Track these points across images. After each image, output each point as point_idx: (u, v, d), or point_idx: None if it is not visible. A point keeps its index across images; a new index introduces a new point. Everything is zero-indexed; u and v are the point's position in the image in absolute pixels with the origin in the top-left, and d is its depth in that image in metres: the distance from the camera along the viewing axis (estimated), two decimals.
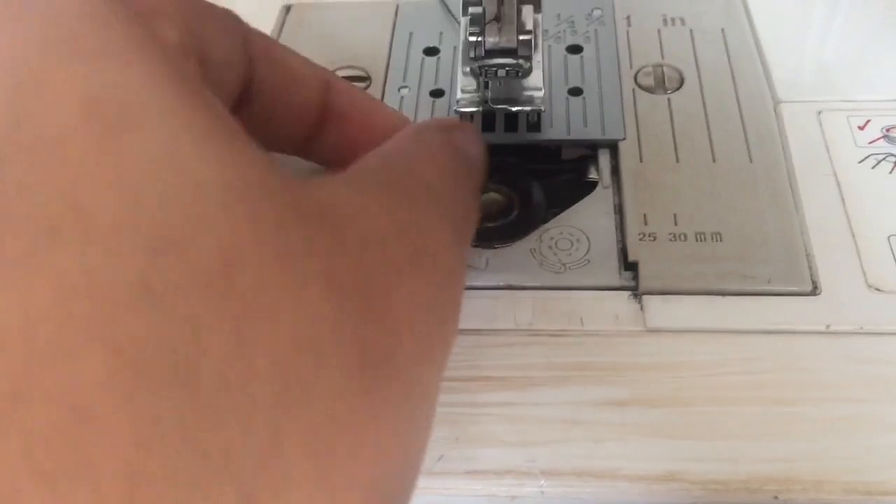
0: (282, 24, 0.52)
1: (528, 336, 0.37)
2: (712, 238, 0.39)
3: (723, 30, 0.48)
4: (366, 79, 0.48)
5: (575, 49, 0.48)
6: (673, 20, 0.49)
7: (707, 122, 0.44)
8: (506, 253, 0.40)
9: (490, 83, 0.44)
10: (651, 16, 0.49)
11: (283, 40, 0.51)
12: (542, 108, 0.42)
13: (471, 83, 0.44)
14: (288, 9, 0.53)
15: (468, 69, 0.44)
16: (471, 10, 0.45)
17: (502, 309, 0.38)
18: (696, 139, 0.43)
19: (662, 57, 0.47)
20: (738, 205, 0.40)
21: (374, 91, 0.47)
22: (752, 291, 0.37)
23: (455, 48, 0.49)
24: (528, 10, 0.44)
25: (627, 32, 0.49)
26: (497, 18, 0.43)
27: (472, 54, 0.44)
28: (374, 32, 0.50)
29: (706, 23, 0.49)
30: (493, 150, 0.45)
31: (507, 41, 0.44)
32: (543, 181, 0.44)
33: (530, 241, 0.40)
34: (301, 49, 0.50)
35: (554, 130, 0.44)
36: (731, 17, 0.49)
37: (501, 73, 0.44)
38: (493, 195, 0.44)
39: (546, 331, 0.37)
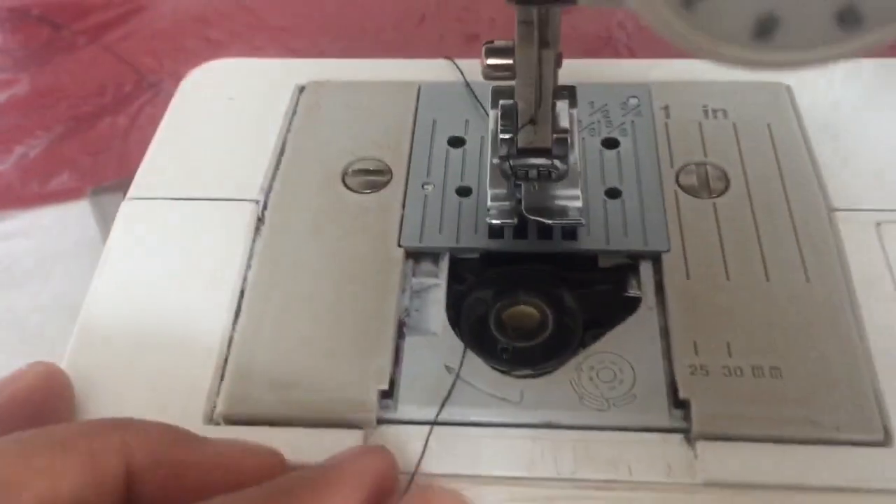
0: (295, 106, 0.48)
1: (571, 488, 0.33)
2: (771, 374, 0.35)
3: (769, 125, 0.45)
4: (385, 172, 0.44)
5: (611, 143, 0.45)
6: (714, 112, 0.46)
7: (757, 232, 0.40)
8: (542, 384, 0.36)
9: (524, 187, 0.40)
10: (691, 106, 0.46)
11: (296, 124, 0.47)
12: (582, 222, 0.39)
13: (501, 185, 0.41)
14: (301, 89, 0.49)
15: (498, 167, 0.41)
16: (501, 103, 0.42)
17: (541, 452, 0.34)
18: (747, 252, 0.40)
19: (705, 154, 0.44)
20: (797, 334, 0.37)
21: (396, 188, 0.43)
22: (818, 440, 0.34)
23: (482, 138, 0.45)
24: (563, 105, 0.41)
25: (666, 125, 0.45)
26: (532, 121, 0.40)
27: (502, 152, 0.41)
28: (394, 118, 0.47)
29: (750, 116, 0.45)
30: (524, 258, 0.42)
31: (542, 140, 0.41)
32: (578, 292, 0.41)
33: (569, 369, 0.37)
34: (316, 136, 0.47)
35: (591, 239, 0.41)
36: (778, 109, 0.46)
37: (533, 174, 0.41)
38: (526, 309, 0.40)
39: (591, 482, 0.33)
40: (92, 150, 0.76)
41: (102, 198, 0.71)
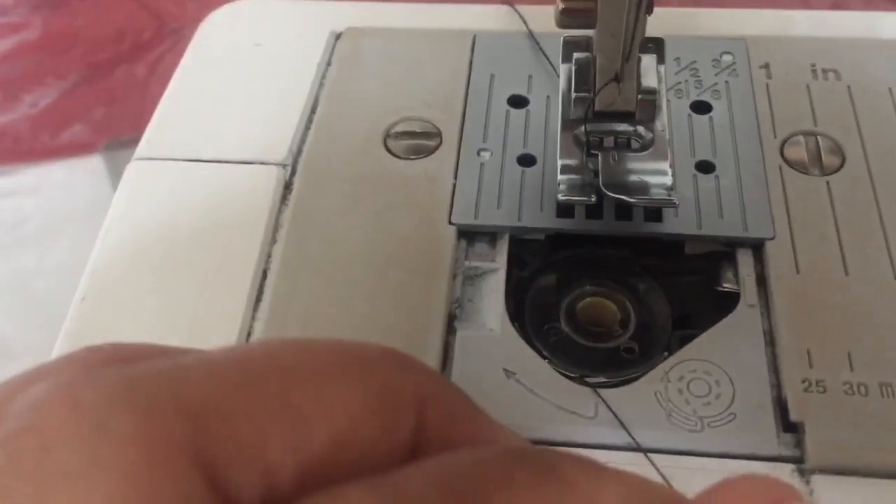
0: (329, 56, 0.42)
1: None
2: None
3: (890, 89, 0.38)
4: (435, 135, 0.38)
5: (702, 107, 0.38)
6: (825, 72, 0.39)
7: (881, 217, 0.34)
8: (622, 395, 0.30)
9: (601, 158, 0.34)
10: (796, 65, 0.39)
11: (331, 77, 0.41)
12: (675, 202, 0.32)
13: (573, 155, 0.34)
14: (338, 36, 0.43)
15: (570, 133, 0.35)
16: (576, 56, 0.35)
17: None
18: (869, 242, 0.33)
19: (815, 123, 0.37)
20: None
21: (448, 154, 0.37)
22: None
23: (548, 98, 0.39)
24: (648, 60, 0.35)
25: (767, 86, 0.38)
26: (617, 79, 0.33)
27: (575, 115, 0.35)
28: (445, 72, 0.40)
29: (868, 78, 0.38)
30: (598, 241, 0.36)
31: (625, 102, 0.34)
32: (661, 283, 0.35)
33: (653, 378, 0.31)
34: (355, 92, 0.40)
35: (679, 221, 0.34)
36: None
37: (609, 142, 0.35)
38: (604, 302, 0.34)
39: None
40: (107, 100, 0.70)
41: (117, 153, 0.65)
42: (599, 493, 0.16)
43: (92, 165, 0.67)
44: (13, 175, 0.68)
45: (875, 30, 0.40)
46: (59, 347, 0.33)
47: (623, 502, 0.16)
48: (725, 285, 0.34)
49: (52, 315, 0.40)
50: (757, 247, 0.34)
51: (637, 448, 0.29)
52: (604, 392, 0.30)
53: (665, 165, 0.33)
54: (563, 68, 0.35)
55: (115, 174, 0.63)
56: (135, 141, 0.69)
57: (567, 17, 0.33)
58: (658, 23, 0.36)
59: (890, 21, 0.41)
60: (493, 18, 0.43)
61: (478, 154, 0.37)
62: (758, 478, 0.18)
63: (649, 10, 0.33)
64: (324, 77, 0.41)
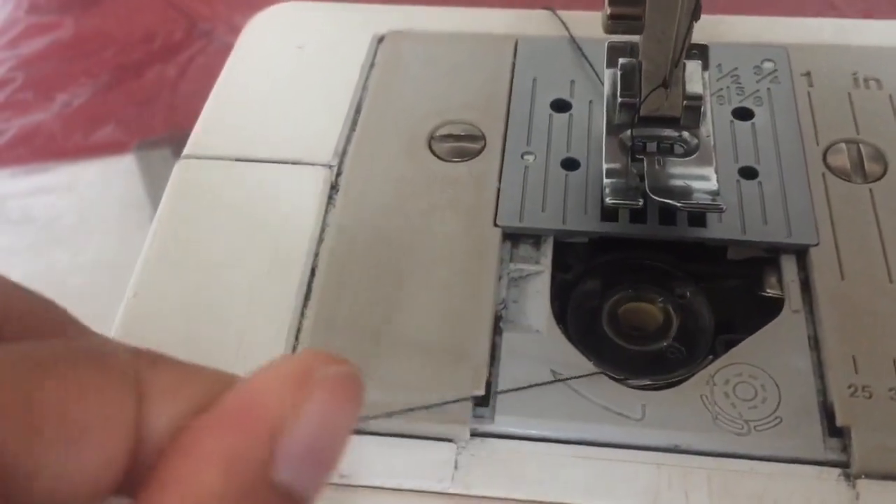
0: (373, 58, 0.42)
1: None
2: None
3: None
4: (478, 139, 0.38)
5: (744, 113, 0.38)
6: (866, 81, 0.39)
7: None
8: (667, 398, 0.31)
9: (646, 164, 0.34)
10: (838, 73, 0.39)
11: (374, 79, 0.41)
12: (722, 207, 0.32)
13: (618, 159, 0.35)
14: (381, 39, 0.43)
15: (616, 137, 0.35)
16: (621, 61, 0.35)
17: (668, 483, 0.29)
18: None
19: (857, 131, 0.37)
20: None
21: (492, 157, 0.37)
22: None
23: (591, 103, 0.39)
24: (693, 66, 0.35)
25: (809, 94, 0.39)
26: (665, 84, 0.33)
27: (620, 120, 0.35)
28: (488, 76, 0.40)
29: None
30: (641, 246, 0.36)
31: (672, 108, 0.35)
32: (704, 287, 0.35)
33: (699, 381, 0.31)
34: (397, 94, 0.41)
35: (723, 227, 0.34)
36: None
37: (652, 147, 0.35)
38: (647, 307, 0.34)
39: None
40: (138, 100, 0.71)
41: (149, 153, 0.66)
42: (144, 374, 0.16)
43: (124, 165, 0.67)
44: (46, 173, 0.69)
45: None
46: None
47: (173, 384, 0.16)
48: (769, 290, 0.34)
49: (85, 312, 0.40)
50: (801, 253, 0.34)
51: (683, 450, 0.29)
52: (648, 394, 0.31)
53: (710, 171, 0.34)
54: (607, 73, 0.36)
55: (147, 173, 0.63)
56: (166, 140, 0.70)
57: (615, 23, 0.33)
58: (699, 29, 0.36)
59: None
60: (533, 23, 0.43)
61: (522, 157, 0.37)
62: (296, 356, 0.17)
63: (696, 17, 0.33)
64: (367, 79, 0.41)
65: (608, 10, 0.33)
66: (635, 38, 0.34)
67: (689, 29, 0.33)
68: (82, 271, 0.59)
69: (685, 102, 0.34)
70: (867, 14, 0.74)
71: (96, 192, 0.64)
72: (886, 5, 0.77)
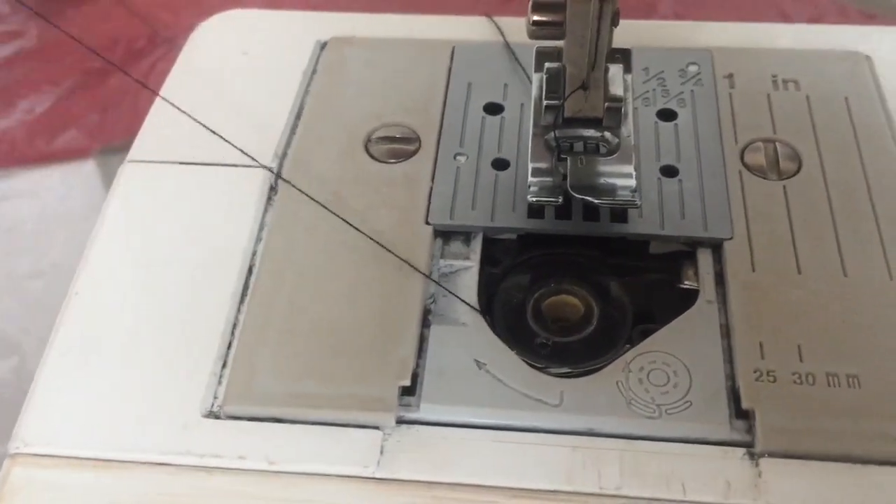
0: (315, 64, 0.43)
1: None
2: (848, 382, 0.31)
3: (846, 99, 0.40)
4: (414, 140, 0.40)
5: (668, 114, 0.40)
6: (785, 83, 0.41)
7: (833, 219, 0.36)
8: (585, 385, 0.32)
9: (569, 162, 0.36)
10: (758, 76, 0.41)
11: (316, 84, 0.42)
12: (637, 203, 0.34)
13: (544, 159, 0.36)
14: (323, 45, 0.44)
15: (541, 138, 0.37)
16: (547, 66, 0.37)
17: (582, 463, 0.30)
18: (822, 243, 0.35)
19: (774, 130, 0.39)
20: (878, 337, 0.32)
21: (426, 158, 0.39)
22: None
23: (523, 106, 0.41)
24: (616, 70, 0.37)
25: (730, 95, 0.40)
26: (584, 87, 0.35)
27: (545, 121, 0.36)
28: (425, 80, 0.42)
29: (825, 88, 0.40)
30: (566, 241, 0.37)
31: (592, 109, 0.36)
32: (625, 281, 0.36)
33: (615, 369, 0.32)
34: (339, 99, 0.42)
35: (644, 222, 0.36)
36: (856, 81, 0.41)
37: (579, 147, 0.37)
38: (567, 299, 0.36)
39: (639, 499, 0.29)
40: (101, 107, 0.72)
41: (110, 158, 0.67)
42: None
43: (86, 170, 0.68)
44: (9, 179, 0.69)
45: (833, 42, 0.42)
46: (54, 340, 0.34)
47: None
48: (687, 283, 0.35)
49: (47, 315, 0.41)
50: (716, 246, 0.36)
51: (597, 433, 0.31)
52: (567, 382, 0.32)
53: (630, 168, 0.35)
54: (535, 77, 0.37)
55: (109, 179, 0.64)
56: (128, 146, 0.71)
57: (538, 28, 0.35)
58: (631, 34, 0.38)
59: (847, 34, 0.43)
60: (472, 29, 0.44)
61: (454, 158, 0.39)
62: None
63: (615, 23, 0.35)
64: (309, 84, 0.43)
65: (531, 17, 0.35)
66: (562, 43, 0.36)
67: (607, 34, 0.34)
68: (42, 277, 0.60)
69: (607, 104, 0.36)
70: (815, 20, 0.77)
71: (58, 198, 0.65)
72: (835, 14, 0.80)
